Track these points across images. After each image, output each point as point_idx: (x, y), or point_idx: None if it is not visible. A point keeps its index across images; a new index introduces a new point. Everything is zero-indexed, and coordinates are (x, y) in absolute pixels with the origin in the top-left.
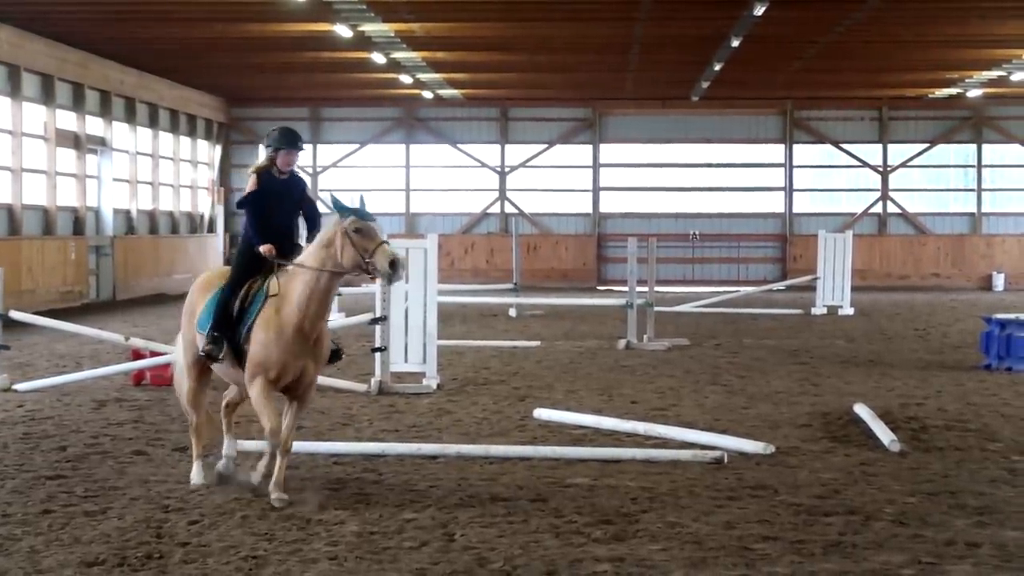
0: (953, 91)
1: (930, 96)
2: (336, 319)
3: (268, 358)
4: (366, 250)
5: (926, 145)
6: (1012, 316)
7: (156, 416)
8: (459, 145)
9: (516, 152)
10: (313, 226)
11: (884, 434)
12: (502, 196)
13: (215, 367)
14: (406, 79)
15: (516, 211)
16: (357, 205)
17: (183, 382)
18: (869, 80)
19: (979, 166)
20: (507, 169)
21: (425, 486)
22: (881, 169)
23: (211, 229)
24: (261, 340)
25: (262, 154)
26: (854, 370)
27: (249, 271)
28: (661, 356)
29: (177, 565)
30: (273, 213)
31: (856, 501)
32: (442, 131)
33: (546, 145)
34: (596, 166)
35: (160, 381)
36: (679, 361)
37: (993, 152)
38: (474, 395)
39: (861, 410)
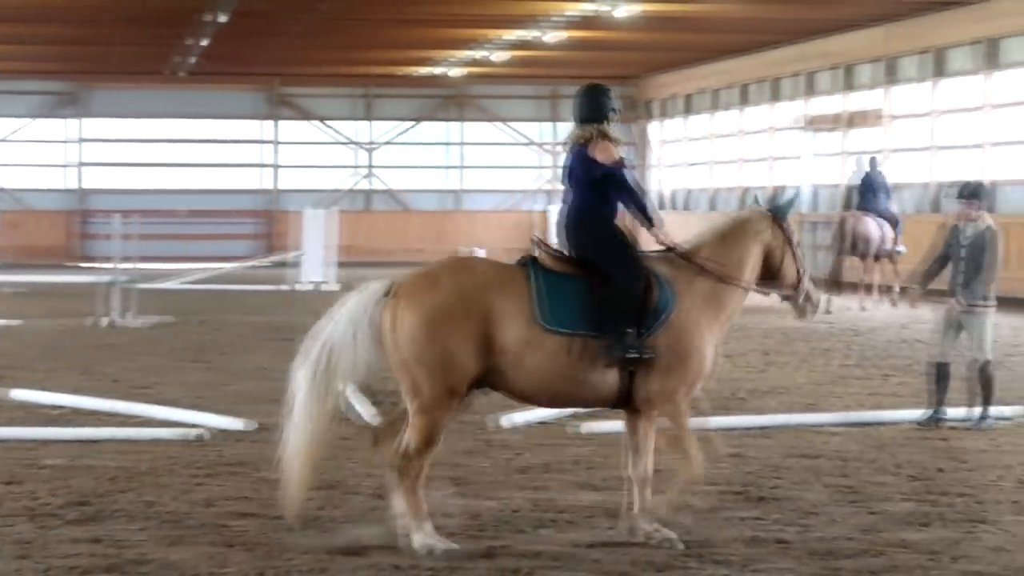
0: (436, 70)
1: (414, 74)
2: None
3: (706, 371)
4: (800, 272)
5: (410, 123)
6: None
7: None
8: None
9: None
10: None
11: (365, 409)
12: None
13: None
14: None
15: None
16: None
17: (423, 420)
18: (354, 58)
19: (461, 144)
20: None
21: None
22: (366, 146)
23: None
24: (703, 348)
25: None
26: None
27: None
28: (144, 334)
29: None
30: None
31: (336, 475)
32: None
33: (27, 119)
34: (81, 141)
35: None
36: (163, 339)
37: (474, 130)
38: None
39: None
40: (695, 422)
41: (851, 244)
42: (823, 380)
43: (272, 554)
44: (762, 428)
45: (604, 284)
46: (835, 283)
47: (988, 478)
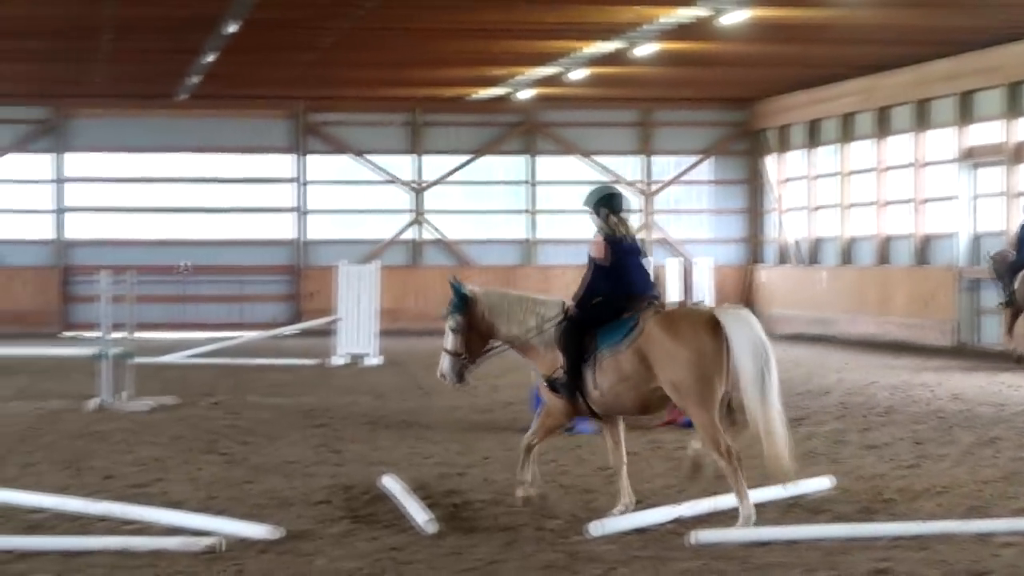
0: (499, 91)
1: (472, 97)
2: None
3: None
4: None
5: (468, 157)
6: None
7: None
8: None
9: None
10: None
11: (418, 512)
12: None
13: None
14: None
15: None
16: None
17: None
18: (397, 77)
19: (531, 183)
20: None
21: None
22: (414, 185)
23: None
24: None
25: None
26: (384, 434)
27: None
28: (143, 419)
29: None
30: None
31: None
32: None
33: None
34: (60, 180)
35: None
36: (165, 425)
37: (548, 166)
38: None
39: (390, 483)
40: None
41: None
42: (991, 477)
43: None
44: (915, 537)
45: None
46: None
47: None
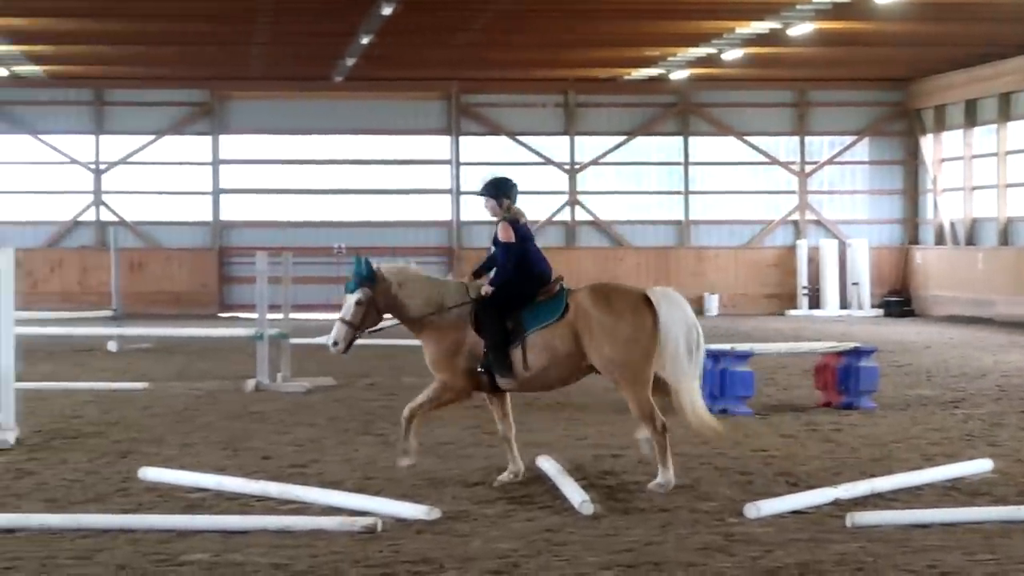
0: (654, 72)
1: (626, 78)
2: None
3: None
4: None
5: (622, 138)
6: (727, 347)
7: None
8: (42, 136)
9: (115, 144)
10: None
11: (574, 493)
12: (98, 200)
13: None
14: None
15: (116, 219)
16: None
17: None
18: (552, 58)
19: (686, 163)
20: (104, 166)
21: None
22: (568, 167)
23: None
24: None
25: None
26: (538, 415)
27: None
28: (300, 400)
29: None
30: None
31: (540, 575)
32: (20, 118)
33: (153, 136)
34: (217, 163)
35: None
36: (322, 406)
37: (702, 147)
38: (63, 451)
39: (546, 464)
40: None
41: None
42: None
43: None
44: None
45: None
46: None
47: None
